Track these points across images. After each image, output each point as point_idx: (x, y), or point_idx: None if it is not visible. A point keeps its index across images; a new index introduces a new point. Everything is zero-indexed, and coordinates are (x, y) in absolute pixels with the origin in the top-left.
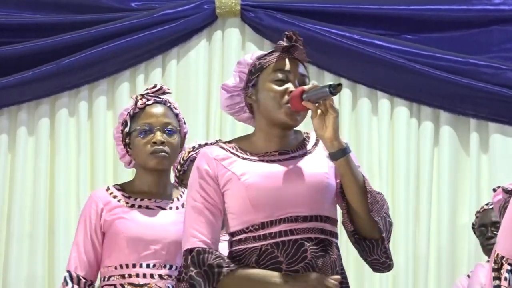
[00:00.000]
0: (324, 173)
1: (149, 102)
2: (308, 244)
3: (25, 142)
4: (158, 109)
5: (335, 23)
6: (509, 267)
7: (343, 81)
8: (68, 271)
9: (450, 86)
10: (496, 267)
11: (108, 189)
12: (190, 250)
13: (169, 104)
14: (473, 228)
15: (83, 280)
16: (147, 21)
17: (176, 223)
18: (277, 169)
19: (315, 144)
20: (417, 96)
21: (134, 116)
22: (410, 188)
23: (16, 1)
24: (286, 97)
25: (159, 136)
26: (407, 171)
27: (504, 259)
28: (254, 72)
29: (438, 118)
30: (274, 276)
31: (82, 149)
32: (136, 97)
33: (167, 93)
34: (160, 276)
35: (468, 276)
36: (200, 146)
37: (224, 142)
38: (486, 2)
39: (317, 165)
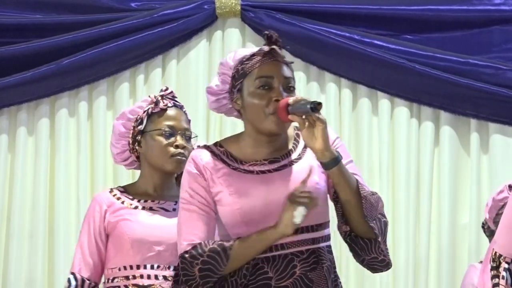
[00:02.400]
0: (314, 183)
1: (170, 105)
2: (297, 259)
3: (25, 142)
4: (178, 113)
5: (335, 23)
6: (506, 266)
7: (343, 81)
8: (72, 273)
9: (450, 86)
10: (494, 265)
11: (111, 191)
12: (186, 252)
13: (184, 109)
14: (483, 227)
15: (87, 282)
16: (147, 21)
17: None
18: (268, 181)
19: (305, 147)
20: (417, 96)
21: (152, 115)
22: (410, 189)
23: (16, 1)
24: (271, 106)
25: (181, 140)
26: (407, 172)
27: (502, 257)
28: (238, 78)
29: (439, 119)
30: (266, 230)
31: (82, 149)
32: (156, 97)
33: (176, 97)
34: (165, 277)
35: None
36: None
37: (215, 145)
38: (487, 2)
39: (305, 172)
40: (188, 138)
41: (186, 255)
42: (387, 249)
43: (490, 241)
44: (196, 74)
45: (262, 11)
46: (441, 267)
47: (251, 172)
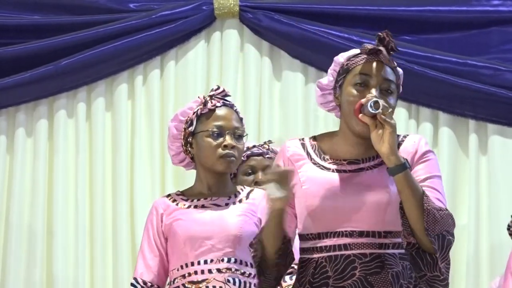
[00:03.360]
0: (387, 188)
1: (218, 104)
2: (359, 261)
3: (24, 143)
4: (227, 112)
5: (333, 24)
6: None
7: None
8: (135, 278)
9: (449, 87)
10: None
11: (168, 195)
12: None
13: (235, 108)
14: (508, 229)
15: (149, 284)
16: (145, 22)
17: (232, 216)
18: (340, 180)
19: None
20: (416, 97)
21: (201, 116)
22: None
23: (15, 2)
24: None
25: (230, 140)
26: None
27: None
28: (341, 73)
29: (437, 119)
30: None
31: (80, 150)
32: (205, 98)
33: (229, 95)
34: (218, 270)
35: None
36: (248, 149)
37: (314, 137)
38: (485, 3)
39: (381, 179)
40: (238, 137)
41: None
42: (446, 268)
43: None
44: (194, 75)
45: (261, 12)
46: None
47: (328, 169)
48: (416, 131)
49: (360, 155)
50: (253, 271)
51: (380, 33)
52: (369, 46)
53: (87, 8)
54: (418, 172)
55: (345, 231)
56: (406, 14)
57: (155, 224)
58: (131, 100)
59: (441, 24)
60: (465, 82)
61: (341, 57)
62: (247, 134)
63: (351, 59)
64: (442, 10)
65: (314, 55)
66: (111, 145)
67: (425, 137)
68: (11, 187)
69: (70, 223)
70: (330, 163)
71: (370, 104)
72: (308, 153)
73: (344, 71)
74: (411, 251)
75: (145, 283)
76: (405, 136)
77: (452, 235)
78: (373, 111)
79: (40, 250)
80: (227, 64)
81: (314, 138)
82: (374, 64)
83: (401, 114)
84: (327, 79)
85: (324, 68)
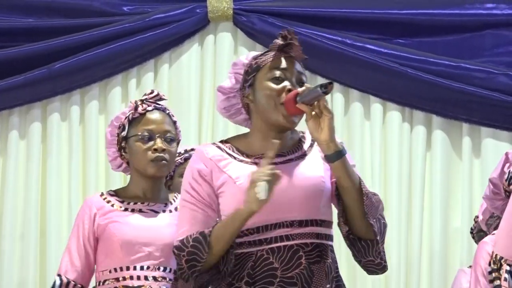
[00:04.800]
0: (320, 176)
1: (150, 108)
2: (302, 251)
3: (17, 146)
4: (158, 116)
5: (327, 28)
6: (508, 268)
7: (336, 85)
8: (59, 275)
9: (442, 90)
10: (495, 267)
11: (102, 194)
12: (175, 246)
13: (167, 111)
14: (471, 232)
15: (72, 283)
16: (139, 25)
17: (170, 225)
18: None
19: (311, 145)
20: (409, 101)
21: (132, 121)
22: (402, 192)
23: (8, 5)
24: (283, 96)
25: (160, 143)
26: (399, 176)
27: (503, 259)
28: (251, 72)
29: (431, 123)
30: (237, 210)
31: (74, 153)
32: (136, 102)
33: (164, 99)
34: (154, 278)
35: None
36: (186, 151)
37: (221, 142)
38: (479, 6)
39: (313, 168)
40: (169, 140)
41: (175, 249)
42: (384, 252)
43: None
44: (188, 78)
45: (254, 15)
46: (433, 270)
47: (257, 164)
48: (409, 134)
49: (283, 148)
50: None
51: (281, 31)
52: (280, 41)
53: (81, 11)
54: None
55: (285, 221)
56: (399, 18)
57: (87, 223)
58: (125, 103)
59: (435, 27)
60: (458, 85)
61: (244, 59)
62: (179, 139)
63: (259, 57)
64: (436, 13)
65: (308, 58)
66: (104, 148)
67: (418, 140)
68: (4, 189)
69: (63, 226)
70: (256, 158)
71: (323, 85)
72: (228, 154)
73: (253, 70)
74: (347, 241)
75: (68, 281)
76: (304, 133)
77: (384, 218)
78: (323, 91)
79: (33, 252)
80: (220, 67)
81: (226, 141)
82: (286, 59)
83: (394, 117)
84: (230, 82)
85: (317, 71)
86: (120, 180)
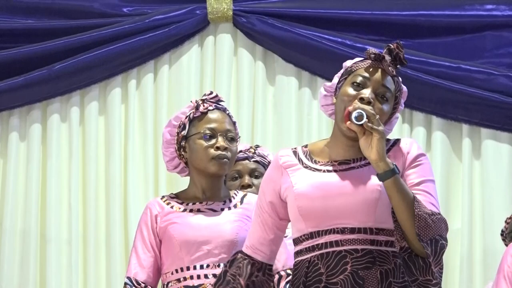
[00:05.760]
0: (377, 185)
1: (211, 108)
2: (350, 256)
3: (17, 147)
4: (220, 115)
5: (327, 29)
6: None
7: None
8: (128, 277)
9: (442, 91)
10: None
11: (162, 197)
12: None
13: (228, 111)
14: (502, 235)
15: (143, 285)
16: (139, 26)
17: (230, 222)
18: (330, 180)
19: None
20: (409, 102)
21: (193, 120)
22: None
23: (7, 6)
24: (355, 103)
25: (222, 141)
26: None
27: None
28: (344, 75)
29: (430, 124)
30: None
31: (74, 154)
32: (197, 102)
33: (223, 101)
34: (214, 276)
35: None
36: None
37: (306, 145)
38: (479, 7)
39: (371, 176)
40: (230, 139)
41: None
42: (440, 272)
43: None
44: (188, 79)
45: (254, 16)
46: None
47: (319, 170)
48: (409, 135)
49: (351, 156)
50: None
51: (390, 44)
52: (375, 51)
53: (81, 12)
54: (411, 176)
55: (337, 228)
56: (399, 19)
57: (150, 224)
58: (125, 104)
59: (435, 28)
60: (458, 86)
61: (349, 62)
62: (240, 137)
63: (357, 63)
64: (436, 14)
65: (308, 60)
66: (105, 149)
67: (419, 141)
68: (4, 191)
69: (63, 227)
70: (321, 165)
71: (354, 116)
72: (299, 159)
73: (346, 72)
74: (404, 255)
75: (138, 283)
76: (397, 140)
77: (445, 239)
78: (357, 123)
79: (34, 254)
80: (220, 68)
81: (306, 146)
82: (375, 70)
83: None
84: (333, 82)
85: (317, 73)
86: (120, 181)
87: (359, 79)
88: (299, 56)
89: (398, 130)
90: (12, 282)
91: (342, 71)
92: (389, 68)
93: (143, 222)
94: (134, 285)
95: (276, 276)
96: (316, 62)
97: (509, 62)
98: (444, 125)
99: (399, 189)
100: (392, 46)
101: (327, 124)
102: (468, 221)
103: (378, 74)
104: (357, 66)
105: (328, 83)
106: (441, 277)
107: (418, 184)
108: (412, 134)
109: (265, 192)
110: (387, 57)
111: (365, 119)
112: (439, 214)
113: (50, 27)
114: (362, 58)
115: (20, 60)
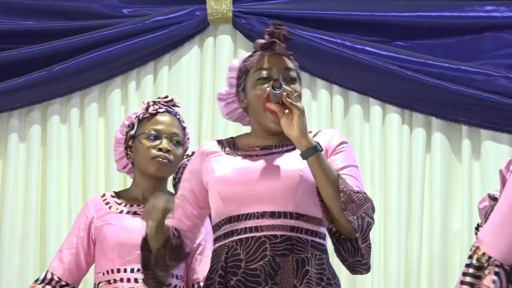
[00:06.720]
0: (297, 169)
1: (161, 110)
2: (269, 242)
3: (17, 148)
4: (168, 118)
5: (326, 30)
6: (497, 269)
7: (335, 88)
8: (47, 270)
9: (442, 92)
10: (478, 265)
11: (103, 195)
12: None
13: (178, 116)
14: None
15: (56, 279)
16: (139, 27)
17: None
18: (251, 164)
19: None
20: (409, 103)
21: (142, 120)
22: (402, 195)
23: (7, 7)
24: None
25: (165, 143)
26: (399, 178)
27: (491, 259)
28: (241, 76)
29: (430, 125)
30: None
31: (73, 155)
32: (148, 103)
33: (177, 106)
34: None
35: None
36: (188, 156)
37: (232, 137)
38: (478, 9)
39: (293, 161)
40: (176, 142)
41: None
42: (368, 250)
43: None
44: (188, 80)
45: (254, 17)
46: (432, 273)
47: (240, 155)
48: (409, 137)
49: (273, 143)
50: (178, 282)
51: (267, 28)
52: (262, 41)
53: (80, 13)
54: (335, 162)
55: (257, 212)
56: (399, 20)
57: (83, 223)
58: (125, 105)
59: (434, 29)
60: (458, 87)
61: (235, 63)
62: (187, 147)
63: (246, 60)
64: (435, 15)
65: (307, 61)
66: (104, 150)
67: (418, 142)
68: (4, 192)
69: (63, 229)
70: (244, 151)
71: (271, 85)
72: (223, 148)
73: (243, 73)
74: (333, 238)
75: (52, 276)
76: (319, 131)
77: (372, 218)
78: (277, 92)
79: (33, 255)
80: (220, 69)
81: (232, 137)
82: (272, 57)
83: (394, 120)
84: (226, 88)
85: (317, 74)
86: (120, 182)
87: (263, 73)
88: (298, 57)
89: (397, 131)
90: (12, 282)
91: (233, 74)
92: (283, 48)
93: (78, 220)
94: (46, 276)
95: (196, 286)
96: (315, 63)
97: (508, 63)
98: (444, 126)
99: (322, 166)
100: (271, 29)
101: (327, 124)
102: (468, 222)
103: (277, 60)
104: (250, 63)
105: (222, 91)
106: (369, 256)
107: (343, 168)
108: (411, 135)
109: (187, 180)
110: (276, 40)
111: (283, 87)
112: (365, 193)
113: (50, 28)
114: (248, 55)
115: (20, 61)
